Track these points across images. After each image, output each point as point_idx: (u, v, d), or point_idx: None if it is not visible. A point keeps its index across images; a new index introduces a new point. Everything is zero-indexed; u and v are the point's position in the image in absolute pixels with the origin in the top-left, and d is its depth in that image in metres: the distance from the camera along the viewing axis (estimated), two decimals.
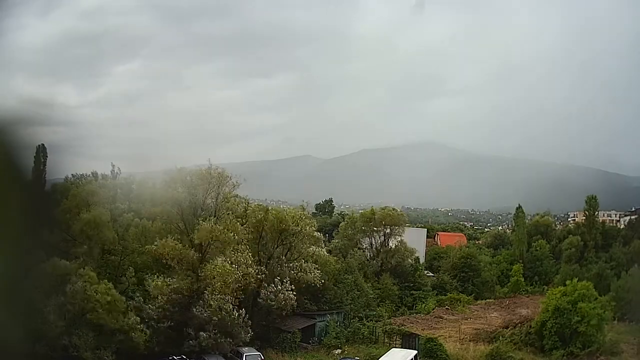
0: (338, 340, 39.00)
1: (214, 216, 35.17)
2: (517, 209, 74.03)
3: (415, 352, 34.26)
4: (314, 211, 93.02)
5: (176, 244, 33.08)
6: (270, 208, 42.59)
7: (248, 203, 42.10)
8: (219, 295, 31.82)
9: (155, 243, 33.11)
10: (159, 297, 31.87)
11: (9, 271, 3.45)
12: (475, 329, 43.37)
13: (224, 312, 31.98)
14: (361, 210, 77.81)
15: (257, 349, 33.66)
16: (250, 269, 33.88)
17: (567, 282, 40.40)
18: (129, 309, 30.49)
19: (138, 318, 30.15)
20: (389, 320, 44.35)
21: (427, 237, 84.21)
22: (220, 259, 32.44)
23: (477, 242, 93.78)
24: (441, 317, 49.33)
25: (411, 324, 45.15)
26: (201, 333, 31.77)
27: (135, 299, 31.79)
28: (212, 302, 31.74)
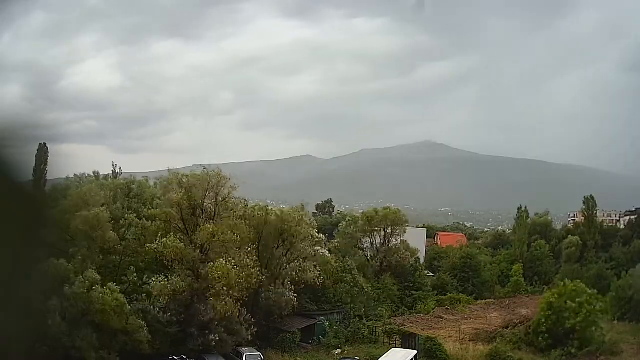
0: (338, 340, 39.01)
1: (214, 217, 35.15)
2: (519, 209, 74.02)
3: (415, 352, 34.26)
4: (314, 211, 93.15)
5: (177, 244, 33.03)
6: (270, 208, 42.64)
7: (247, 203, 42.09)
8: (222, 298, 31.74)
9: (156, 242, 33.03)
10: (161, 299, 31.82)
11: (9, 271, 3.45)
12: (475, 329, 43.40)
13: (226, 312, 31.95)
14: (361, 210, 77.89)
15: (257, 349, 33.67)
16: (253, 270, 33.86)
17: (559, 282, 40.60)
18: (132, 311, 30.45)
19: (142, 322, 30.11)
20: (389, 320, 44.37)
21: (427, 237, 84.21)
22: (223, 260, 32.38)
23: (477, 242, 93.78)
24: (441, 317, 49.35)
25: (411, 324, 45.19)
26: (205, 333, 31.78)
27: (139, 300, 31.74)
28: (216, 305, 31.69)
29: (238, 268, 32.45)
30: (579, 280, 40.45)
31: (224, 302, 31.61)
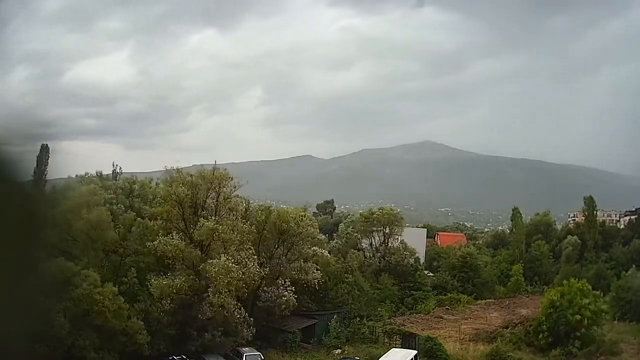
0: (338, 340, 39.03)
1: (216, 215, 35.18)
2: (513, 210, 74.25)
3: (415, 352, 34.30)
4: (315, 211, 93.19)
5: (179, 242, 33.02)
6: (272, 208, 42.72)
7: (249, 203, 42.15)
8: (222, 294, 31.76)
9: (158, 240, 32.97)
10: (163, 299, 31.81)
11: (11, 272, 3.47)
12: (475, 329, 43.41)
13: (225, 312, 31.97)
14: (361, 210, 78.00)
15: (257, 349, 33.70)
16: (253, 268, 33.88)
17: (565, 282, 40.55)
18: (133, 312, 30.44)
19: (142, 323, 30.10)
20: (389, 320, 44.40)
21: (427, 237, 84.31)
22: (223, 257, 32.40)
23: (477, 242, 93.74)
24: (441, 317, 49.34)
25: (411, 324, 45.20)
26: (204, 334, 31.78)
27: (140, 301, 31.72)
28: (214, 300, 31.71)
29: (237, 265, 32.48)
30: (584, 280, 40.41)
31: (222, 298, 31.62)
